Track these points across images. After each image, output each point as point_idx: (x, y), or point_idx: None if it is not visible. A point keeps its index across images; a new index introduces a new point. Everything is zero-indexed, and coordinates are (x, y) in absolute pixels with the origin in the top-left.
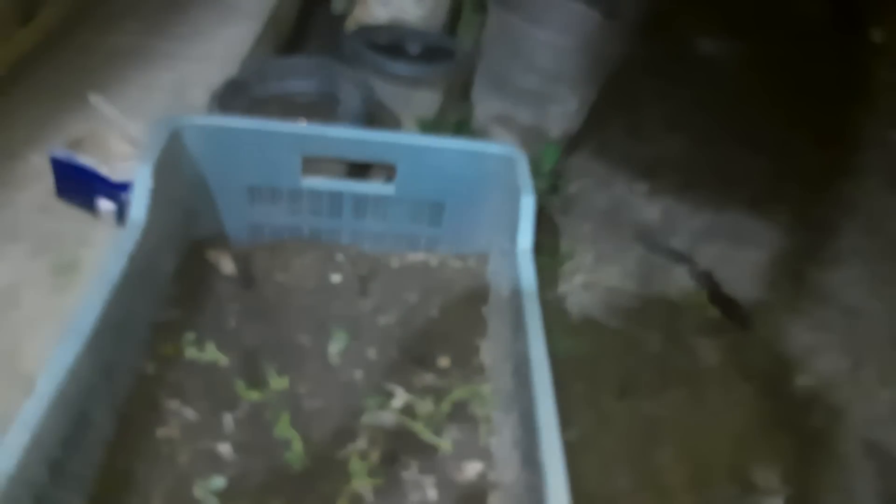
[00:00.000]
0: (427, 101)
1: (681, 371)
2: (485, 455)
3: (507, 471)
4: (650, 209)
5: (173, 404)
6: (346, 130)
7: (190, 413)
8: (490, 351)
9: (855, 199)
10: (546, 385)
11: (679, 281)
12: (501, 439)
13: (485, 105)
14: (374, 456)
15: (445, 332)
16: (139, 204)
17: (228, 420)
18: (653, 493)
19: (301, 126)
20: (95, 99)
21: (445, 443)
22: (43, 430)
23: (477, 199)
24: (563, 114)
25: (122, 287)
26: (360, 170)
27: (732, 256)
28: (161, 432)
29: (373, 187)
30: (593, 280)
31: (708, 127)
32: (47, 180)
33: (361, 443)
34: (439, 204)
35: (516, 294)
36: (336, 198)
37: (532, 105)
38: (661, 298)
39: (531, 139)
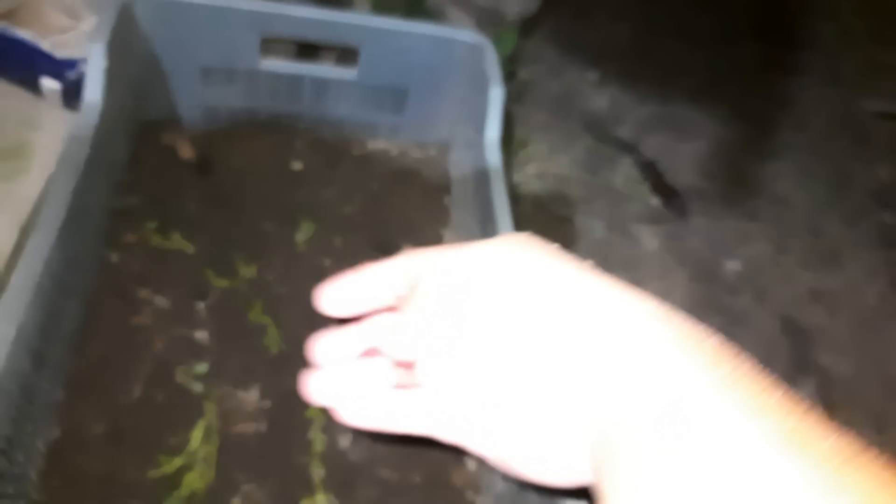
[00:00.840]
0: None
1: (622, 257)
2: None
3: None
4: (599, 98)
5: (143, 293)
6: (310, 9)
7: (161, 301)
8: (453, 240)
9: (787, 94)
10: None
11: (624, 170)
12: None
13: None
14: None
15: (409, 221)
16: (94, 85)
17: (201, 307)
18: None
19: (260, 3)
20: None
21: None
22: (25, 322)
23: (441, 88)
24: None
25: (83, 174)
26: (309, 51)
27: (675, 147)
28: (134, 321)
29: (335, 71)
30: (545, 169)
31: (652, 16)
32: None
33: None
34: (402, 90)
35: (483, 185)
36: (296, 81)
37: None
38: (608, 187)
39: (487, 21)
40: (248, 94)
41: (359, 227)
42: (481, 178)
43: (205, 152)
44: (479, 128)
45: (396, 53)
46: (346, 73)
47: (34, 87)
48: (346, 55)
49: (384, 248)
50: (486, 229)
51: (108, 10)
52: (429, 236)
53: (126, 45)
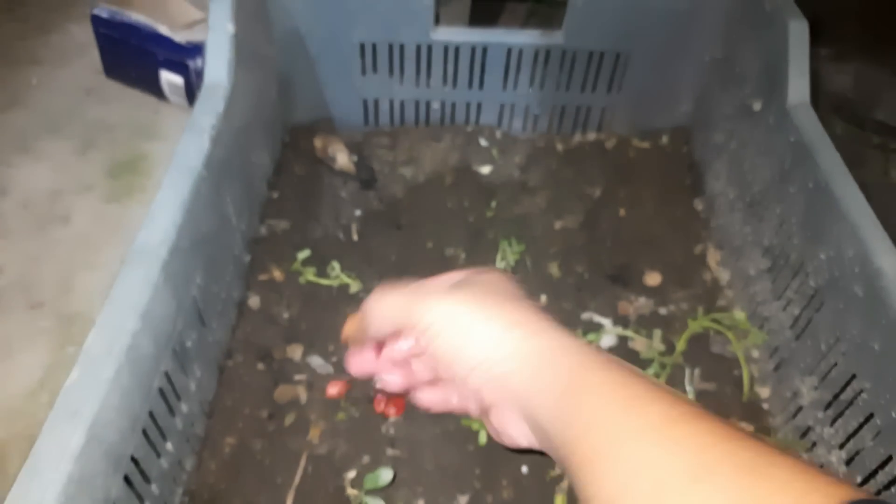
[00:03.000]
0: None
1: None
2: (755, 414)
3: (797, 440)
4: (841, 77)
5: (294, 351)
6: None
7: (319, 363)
8: (728, 259)
9: None
10: None
11: None
12: (781, 392)
13: None
14: None
15: (649, 237)
16: (217, 58)
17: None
18: None
19: None
20: None
21: (689, 398)
22: (103, 415)
23: (682, 44)
24: None
25: (206, 183)
26: (487, 15)
27: None
28: (282, 392)
29: (531, 36)
30: None
31: None
32: (92, 55)
33: None
34: (623, 56)
35: (803, 167)
36: (479, 57)
37: None
38: (882, 185)
39: None
40: (417, 79)
41: (581, 249)
42: (791, 161)
43: (366, 159)
44: (760, 90)
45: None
46: (550, 37)
47: (154, 87)
48: (538, 16)
49: (623, 277)
50: (826, 237)
51: None
52: (682, 256)
53: (260, 14)
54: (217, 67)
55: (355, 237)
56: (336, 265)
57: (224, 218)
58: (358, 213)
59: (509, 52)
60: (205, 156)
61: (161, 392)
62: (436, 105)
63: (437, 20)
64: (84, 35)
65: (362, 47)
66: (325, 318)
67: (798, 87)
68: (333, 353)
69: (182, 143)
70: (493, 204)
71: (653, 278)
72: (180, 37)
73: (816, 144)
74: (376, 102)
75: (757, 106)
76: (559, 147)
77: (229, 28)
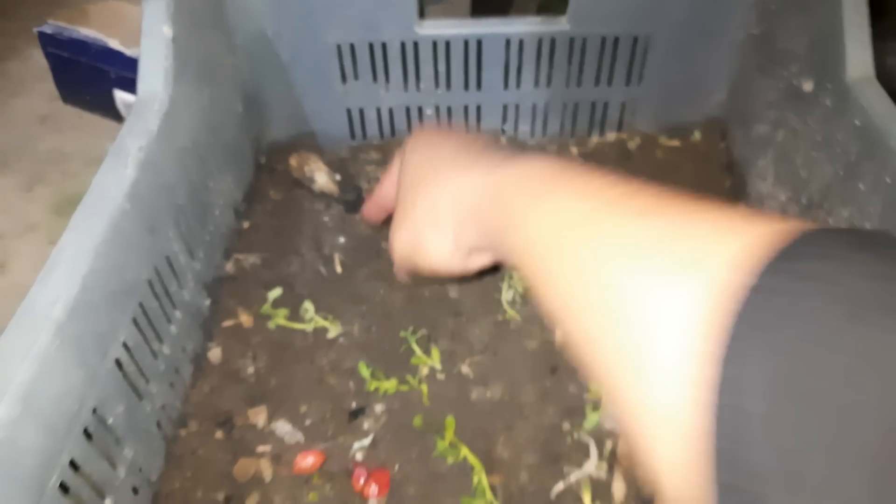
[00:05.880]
0: None
1: None
2: None
3: None
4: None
5: (257, 415)
6: None
7: (286, 430)
8: None
9: None
10: None
11: None
12: None
13: None
14: None
15: None
16: (152, 67)
17: (356, 438)
18: None
19: None
20: None
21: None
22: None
23: (707, 21)
24: None
25: (130, 219)
26: (486, 4)
27: None
28: (243, 468)
29: (534, 24)
30: None
31: None
32: (51, 81)
33: (572, 477)
34: (641, 41)
35: (874, 158)
36: (474, 52)
37: None
38: None
39: None
40: (405, 82)
41: None
42: (849, 153)
43: (352, 178)
44: (811, 67)
45: None
46: (552, 24)
47: (111, 110)
48: (551, 9)
49: None
50: None
51: None
52: None
53: (214, 17)
54: (151, 78)
55: (339, 269)
56: (309, 306)
57: (165, 258)
58: (342, 240)
59: (508, 43)
60: (128, 185)
61: (62, 488)
62: (429, 111)
63: (423, 13)
64: (46, 60)
65: (339, 49)
66: (296, 372)
67: (859, 59)
68: (306, 415)
69: (100, 171)
70: None
71: None
72: (134, 51)
73: (890, 127)
74: (361, 112)
75: (808, 86)
76: (574, 151)
77: (166, 31)
